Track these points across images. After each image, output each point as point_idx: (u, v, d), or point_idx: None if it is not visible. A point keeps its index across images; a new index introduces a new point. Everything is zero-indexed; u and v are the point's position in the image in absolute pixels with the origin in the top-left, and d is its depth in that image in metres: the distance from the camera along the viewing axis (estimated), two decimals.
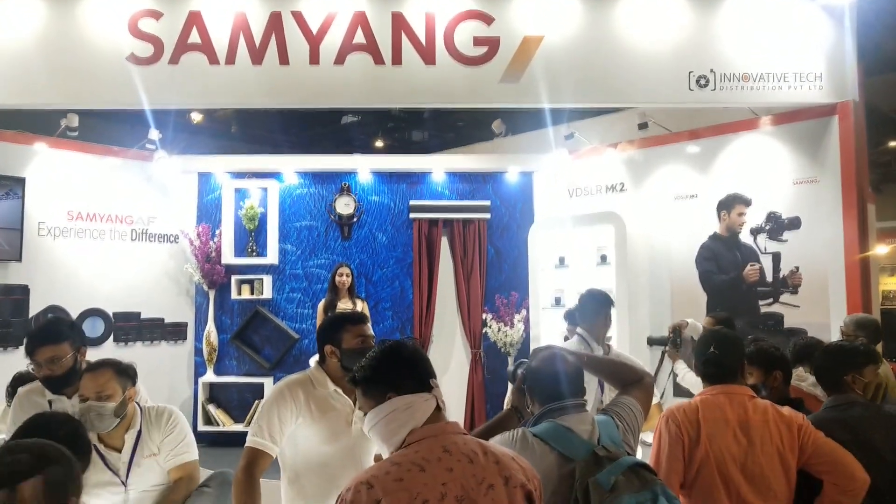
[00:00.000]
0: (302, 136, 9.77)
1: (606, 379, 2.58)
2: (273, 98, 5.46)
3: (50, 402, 3.06)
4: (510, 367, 2.55)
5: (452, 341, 7.37)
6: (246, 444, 2.54)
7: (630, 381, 2.50)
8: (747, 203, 5.82)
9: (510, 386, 2.57)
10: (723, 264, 5.95)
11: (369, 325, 2.84)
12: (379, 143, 11.32)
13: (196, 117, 11.46)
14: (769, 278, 5.67)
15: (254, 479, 2.46)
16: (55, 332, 3.22)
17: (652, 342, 5.28)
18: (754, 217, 5.78)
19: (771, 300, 5.65)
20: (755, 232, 5.76)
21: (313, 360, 6.21)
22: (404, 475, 1.67)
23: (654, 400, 4.08)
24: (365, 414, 1.91)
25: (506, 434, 2.23)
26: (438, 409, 1.85)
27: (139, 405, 3.01)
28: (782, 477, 2.51)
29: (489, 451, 1.79)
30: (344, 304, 6.59)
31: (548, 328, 6.63)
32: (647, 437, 4.10)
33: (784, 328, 5.54)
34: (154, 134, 6.69)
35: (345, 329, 2.73)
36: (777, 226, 5.64)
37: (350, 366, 2.72)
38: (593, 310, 4.01)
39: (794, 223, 5.56)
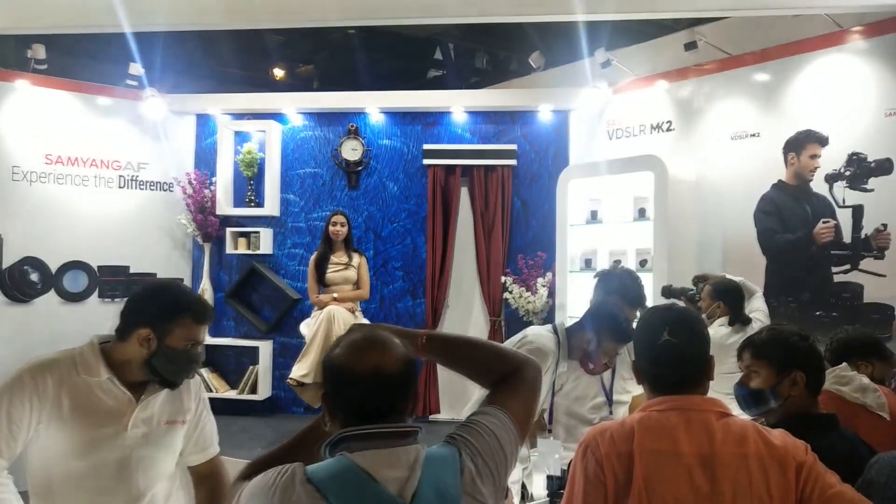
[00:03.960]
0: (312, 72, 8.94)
1: (463, 372, 1.61)
2: (239, 18, 4.65)
3: None
4: None
5: (470, 307, 6.45)
6: None
7: (499, 373, 1.54)
8: (823, 142, 4.55)
9: None
10: (788, 220, 4.72)
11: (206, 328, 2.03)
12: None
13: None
14: (847, 238, 4.41)
15: None
16: None
17: (669, 294, 4.20)
18: (831, 160, 4.52)
19: (848, 267, 4.41)
20: (832, 179, 4.50)
21: (303, 326, 5.22)
22: None
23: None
24: None
25: (268, 474, 1.34)
26: None
27: None
28: None
29: None
30: (338, 258, 5.78)
31: (575, 295, 5.58)
32: None
33: (863, 303, 4.31)
34: (136, 69, 6.00)
35: (180, 320, 1.95)
36: (860, 170, 4.36)
37: (161, 369, 1.92)
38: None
39: (884, 167, 4.27)
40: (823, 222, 4.52)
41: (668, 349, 1.70)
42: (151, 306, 1.97)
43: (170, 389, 2.02)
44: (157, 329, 1.92)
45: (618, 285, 3.08)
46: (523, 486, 2.68)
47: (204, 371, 6.45)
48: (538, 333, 2.78)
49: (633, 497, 1.58)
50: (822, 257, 4.52)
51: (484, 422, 1.42)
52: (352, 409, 1.33)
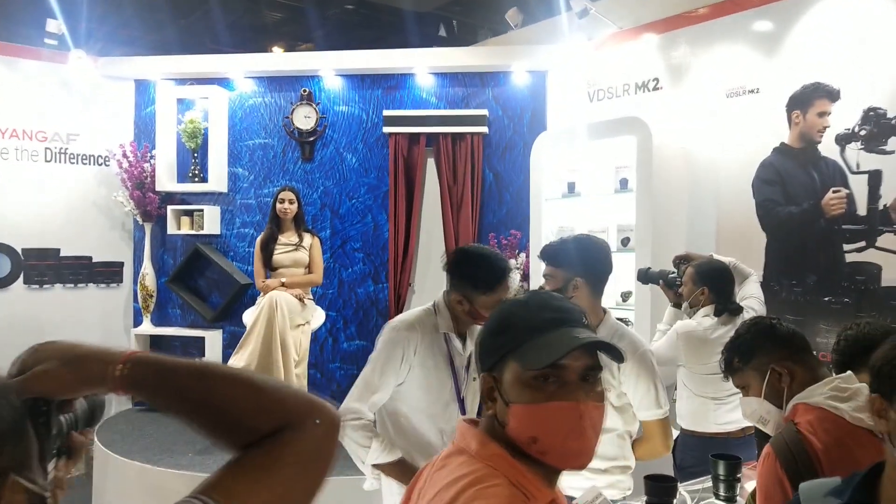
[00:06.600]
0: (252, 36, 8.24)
1: (193, 426, 0.92)
2: None
3: None
4: None
5: (438, 292, 5.74)
6: None
7: (251, 432, 0.86)
8: (833, 97, 3.85)
9: None
10: (792, 190, 4.03)
11: None
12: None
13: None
14: (862, 210, 3.72)
15: None
16: None
17: (646, 278, 3.54)
18: (843, 118, 3.81)
19: (863, 244, 3.72)
20: (844, 140, 3.80)
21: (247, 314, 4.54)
22: None
23: (654, 414, 2.35)
24: None
25: None
26: None
27: None
28: None
29: None
30: (287, 239, 5.15)
31: None
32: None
33: (880, 286, 3.62)
34: (55, 26, 5.33)
35: None
36: (878, 129, 3.66)
37: None
38: None
39: None
40: (834, 191, 3.82)
41: None
42: None
43: None
44: None
45: (566, 259, 2.39)
46: None
47: None
48: (411, 311, 2.41)
49: None
50: (832, 233, 3.83)
51: None
52: None
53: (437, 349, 2.28)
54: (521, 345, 1.13)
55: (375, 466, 2.24)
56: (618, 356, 1.15)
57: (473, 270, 2.22)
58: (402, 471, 2.20)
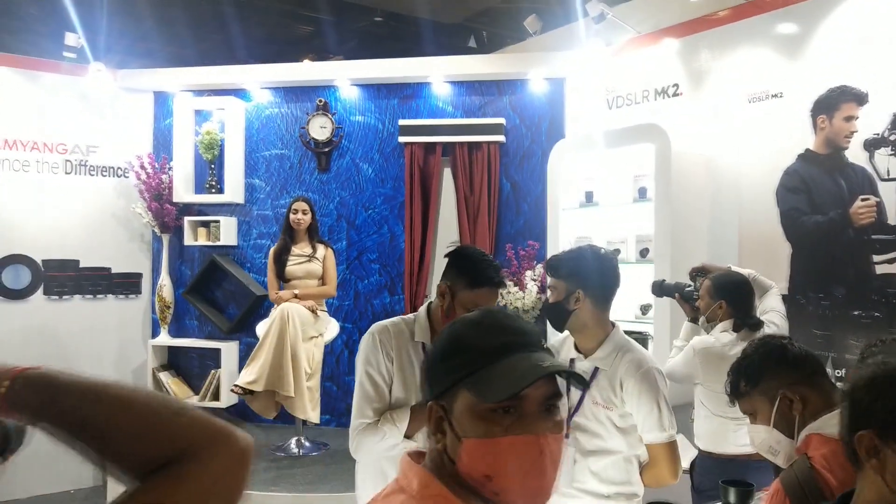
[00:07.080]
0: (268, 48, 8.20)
1: (85, 452, 0.82)
2: None
3: None
4: None
5: None
6: None
7: (146, 460, 0.76)
8: (861, 100, 3.67)
9: None
10: (818, 198, 3.85)
11: None
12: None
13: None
14: (892, 219, 3.54)
15: None
16: None
17: (661, 290, 3.40)
18: (872, 122, 3.63)
19: (894, 255, 3.53)
20: (872, 145, 3.62)
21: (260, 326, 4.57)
22: None
23: (658, 437, 2.21)
24: None
25: None
26: None
27: None
28: None
29: None
30: (301, 250, 5.10)
31: None
32: None
33: None
34: (73, 39, 5.36)
35: None
36: None
37: None
38: None
39: None
40: (862, 199, 3.64)
41: None
42: None
43: None
44: None
45: (568, 271, 2.28)
46: None
47: (164, 375, 5.85)
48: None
49: None
50: (861, 243, 3.65)
51: None
52: None
53: (415, 357, 2.22)
54: (474, 372, 1.02)
55: (407, 438, 2.17)
56: (582, 382, 1.05)
57: (469, 263, 2.18)
58: (421, 415, 2.10)
